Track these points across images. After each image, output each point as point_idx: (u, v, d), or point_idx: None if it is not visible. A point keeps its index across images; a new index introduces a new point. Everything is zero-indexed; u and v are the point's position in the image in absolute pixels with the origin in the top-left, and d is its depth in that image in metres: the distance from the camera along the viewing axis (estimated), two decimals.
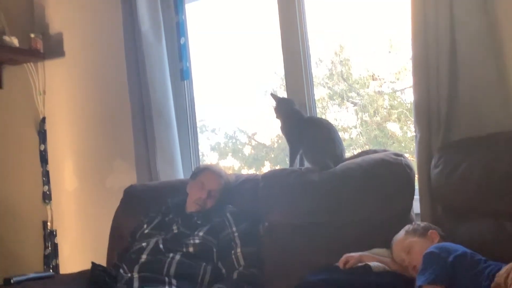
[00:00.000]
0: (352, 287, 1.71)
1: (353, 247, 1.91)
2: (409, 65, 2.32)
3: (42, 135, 3.21)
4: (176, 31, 2.91)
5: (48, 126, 3.21)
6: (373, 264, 1.79)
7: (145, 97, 2.77)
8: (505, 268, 1.47)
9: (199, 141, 3.00)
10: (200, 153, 3.02)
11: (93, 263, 2.14)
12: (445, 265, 1.58)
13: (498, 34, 1.99)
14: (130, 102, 2.82)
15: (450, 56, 2.02)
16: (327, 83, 2.87)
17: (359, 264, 1.81)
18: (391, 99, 2.73)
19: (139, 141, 2.81)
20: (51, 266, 3.11)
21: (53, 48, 3.17)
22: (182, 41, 2.90)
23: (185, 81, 2.94)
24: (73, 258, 3.09)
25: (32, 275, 2.17)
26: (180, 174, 2.81)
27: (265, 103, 3.00)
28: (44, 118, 3.21)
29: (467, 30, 2.00)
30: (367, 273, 1.76)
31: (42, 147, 3.20)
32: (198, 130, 3.02)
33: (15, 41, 3.01)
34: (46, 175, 3.20)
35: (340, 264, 1.85)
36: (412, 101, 2.13)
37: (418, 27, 2.07)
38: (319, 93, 2.82)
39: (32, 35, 3.09)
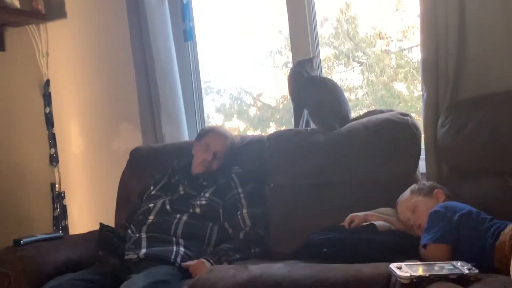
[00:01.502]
0: (357, 246, 1.72)
1: (359, 207, 1.92)
2: (416, 23, 2.27)
3: (47, 98, 3.19)
4: None
5: (52, 89, 3.19)
6: (378, 223, 1.80)
7: (149, 59, 2.75)
8: (510, 227, 1.47)
9: (204, 102, 2.99)
10: (205, 115, 3.01)
11: (101, 224, 2.15)
12: (450, 224, 1.59)
13: None
14: (134, 64, 2.80)
15: (459, 13, 1.98)
16: (332, 42, 2.82)
17: (364, 224, 1.83)
18: (398, 58, 2.69)
19: (144, 103, 2.81)
20: (60, 227, 3.16)
21: (54, 9, 3.12)
22: (184, 0, 2.84)
23: (188, 42, 2.91)
24: (82, 219, 3.13)
25: (41, 236, 2.20)
26: (185, 136, 2.81)
27: (270, 64, 2.97)
28: (48, 81, 3.19)
29: None
30: (372, 232, 1.77)
31: (47, 110, 3.19)
32: (203, 91, 3.00)
33: (16, 2, 2.96)
34: (52, 137, 3.21)
35: (345, 223, 1.86)
36: (419, 60, 2.10)
37: None
38: (325, 53, 2.78)
39: None
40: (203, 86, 3.00)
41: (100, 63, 3.05)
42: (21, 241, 2.10)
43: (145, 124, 2.81)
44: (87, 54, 3.08)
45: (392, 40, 2.66)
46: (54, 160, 3.21)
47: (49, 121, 3.20)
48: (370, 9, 2.64)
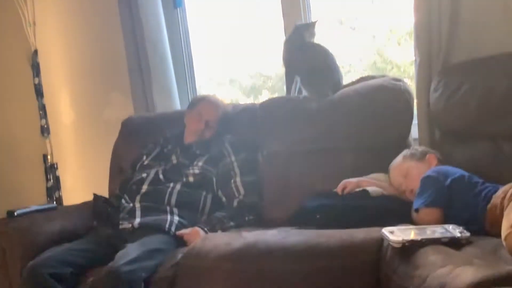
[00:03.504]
0: (350, 211, 1.74)
1: (351, 173, 1.93)
2: None
3: (36, 68, 3.15)
4: None
5: (40, 59, 3.15)
6: (371, 189, 1.82)
7: (138, 28, 2.70)
8: (501, 190, 1.49)
9: (195, 71, 2.95)
10: (197, 84, 2.97)
11: (95, 195, 2.16)
12: (442, 188, 1.60)
13: None
14: (123, 33, 2.76)
15: None
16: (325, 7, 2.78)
17: (357, 189, 1.84)
18: (390, 23, 2.66)
19: (134, 73, 2.77)
20: (54, 198, 3.16)
21: None
22: None
23: (178, 9, 2.86)
24: (76, 190, 3.13)
25: (35, 207, 2.20)
26: (177, 105, 2.79)
27: (261, 30, 2.93)
28: (36, 51, 3.14)
29: None
30: (365, 198, 1.78)
31: (36, 81, 3.15)
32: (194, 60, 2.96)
33: None
34: (42, 108, 3.17)
35: (338, 189, 1.87)
36: (412, 25, 2.08)
37: None
38: (316, 18, 2.73)
39: None
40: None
41: (89, 32, 3.00)
42: (15, 213, 2.10)
43: (136, 93, 2.78)
44: (75, 23, 3.03)
45: (383, 4, 2.62)
46: (45, 131, 3.18)
47: (39, 91, 3.16)
48: None
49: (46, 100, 3.17)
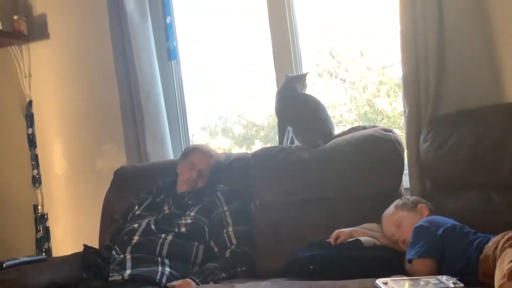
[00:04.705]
0: (343, 262, 1.72)
1: (344, 223, 1.92)
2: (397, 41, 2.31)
3: (30, 119, 3.17)
4: (161, 10, 2.88)
5: (35, 110, 3.17)
6: (363, 239, 1.81)
7: (133, 78, 2.75)
8: (493, 240, 1.49)
9: (188, 121, 2.99)
10: (190, 134, 3.00)
11: (85, 246, 2.14)
12: (435, 238, 1.60)
13: (485, 7, 1.99)
14: (117, 84, 2.80)
15: (438, 30, 2.02)
16: (315, 60, 2.85)
17: (350, 239, 1.83)
18: (380, 74, 2.72)
19: (128, 123, 2.80)
20: (43, 249, 3.11)
21: (37, 30, 3.11)
22: (168, 20, 2.86)
23: (172, 61, 2.92)
24: (65, 241, 3.09)
25: (24, 259, 2.16)
26: (170, 155, 2.81)
27: (253, 81, 2.99)
28: (30, 101, 3.17)
29: (455, 3, 1.99)
30: (358, 248, 1.77)
31: (30, 131, 3.17)
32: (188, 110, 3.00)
33: None
34: (35, 158, 3.18)
35: (331, 239, 1.86)
36: (400, 77, 2.13)
37: (406, 2, 2.06)
38: (308, 70, 2.80)
39: (15, 17, 3.03)
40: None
41: (83, 83, 3.04)
42: (3, 264, 2.06)
43: (129, 143, 2.80)
44: (70, 74, 3.08)
45: (373, 58, 2.69)
46: (37, 181, 3.17)
47: (32, 142, 3.17)
48: (351, 27, 2.68)
49: (38, 150, 3.18)
